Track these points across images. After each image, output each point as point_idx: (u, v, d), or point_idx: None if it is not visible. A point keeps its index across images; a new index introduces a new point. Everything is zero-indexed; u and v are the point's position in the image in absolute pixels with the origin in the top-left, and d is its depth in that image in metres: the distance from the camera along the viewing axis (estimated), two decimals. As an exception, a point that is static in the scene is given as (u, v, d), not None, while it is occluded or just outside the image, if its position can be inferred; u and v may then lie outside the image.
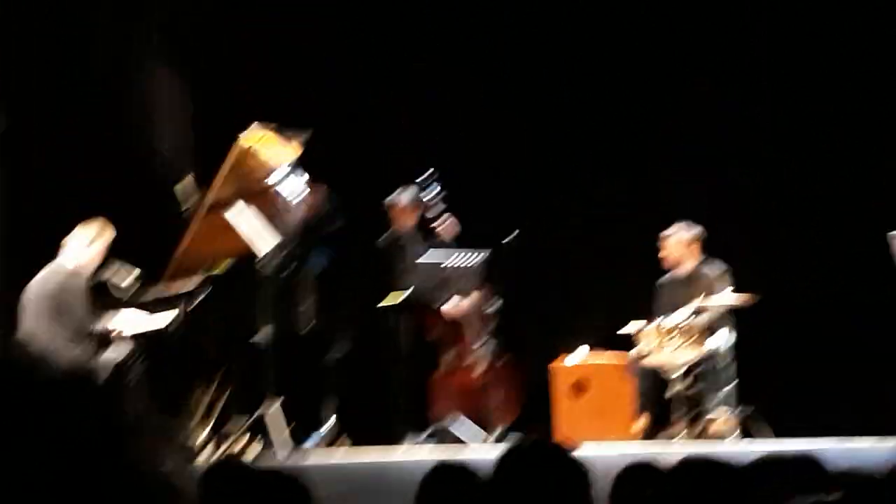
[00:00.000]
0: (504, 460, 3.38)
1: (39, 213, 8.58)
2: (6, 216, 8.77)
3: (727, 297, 8.54)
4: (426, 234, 8.94)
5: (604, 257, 9.75)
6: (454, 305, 8.78)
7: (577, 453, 3.43)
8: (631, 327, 8.62)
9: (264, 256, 7.91)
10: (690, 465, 3.23)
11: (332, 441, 8.35)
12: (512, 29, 10.10)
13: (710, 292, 8.61)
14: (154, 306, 8.03)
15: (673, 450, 7.78)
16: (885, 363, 8.96)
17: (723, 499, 3.08)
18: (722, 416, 8.40)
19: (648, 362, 8.54)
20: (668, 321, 8.55)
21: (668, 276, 8.91)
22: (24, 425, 0.73)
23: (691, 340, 8.45)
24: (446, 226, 8.84)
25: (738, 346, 8.60)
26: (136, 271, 8.18)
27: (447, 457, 7.63)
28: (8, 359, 0.76)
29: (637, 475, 3.33)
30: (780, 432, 8.33)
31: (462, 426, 8.44)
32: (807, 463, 3.30)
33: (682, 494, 3.11)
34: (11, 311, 7.86)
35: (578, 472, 3.35)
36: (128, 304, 8.04)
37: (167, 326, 7.88)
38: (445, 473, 3.52)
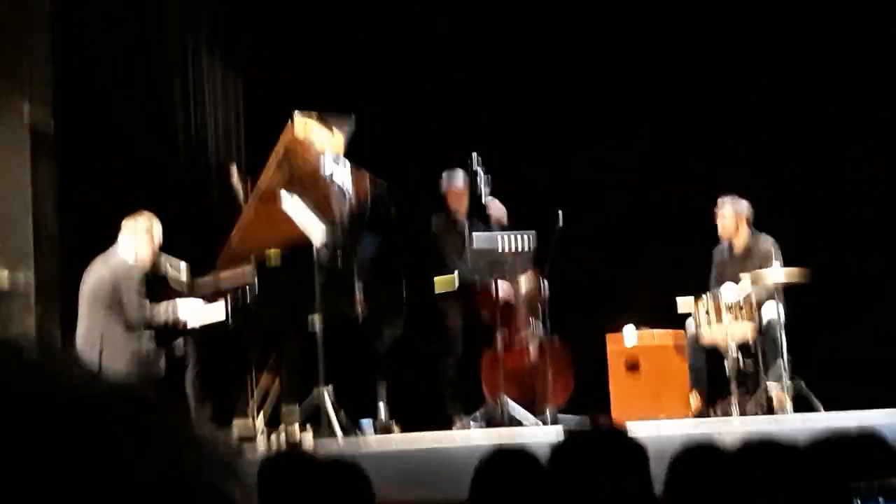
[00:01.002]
0: (563, 444, 3.38)
1: (92, 206, 8.62)
2: (59, 209, 8.80)
3: (782, 272, 8.45)
4: (477, 219, 8.92)
5: (648, 235, 9.71)
6: (507, 288, 8.76)
7: (633, 434, 3.43)
8: (684, 305, 8.56)
9: (319, 246, 7.94)
10: (751, 446, 3.21)
11: (383, 428, 8.37)
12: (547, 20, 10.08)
13: (765, 265, 8.53)
14: (208, 298, 8.09)
15: (729, 427, 7.76)
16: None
17: (785, 479, 3.06)
18: (775, 391, 8.36)
19: (704, 340, 8.50)
20: (726, 297, 8.48)
21: (722, 246, 8.88)
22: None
23: (746, 316, 8.41)
24: (495, 209, 8.83)
25: (786, 320, 8.55)
26: (184, 264, 8.24)
27: (501, 440, 7.68)
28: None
29: (696, 455, 3.30)
30: (831, 406, 8.29)
31: (513, 409, 8.43)
32: (870, 440, 3.26)
33: (744, 475, 3.09)
34: (68, 305, 7.93)
35: (637, 454, 3.34)
36: (182, 296, 8.10)
37: (227, 318, 7.93)
38: (503, 458, 3.51)
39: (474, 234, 8.59)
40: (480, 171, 8.78)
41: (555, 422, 8.11)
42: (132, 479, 0.72)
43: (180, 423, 0.76)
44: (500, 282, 8.67)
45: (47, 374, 0.74)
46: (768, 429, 7.23)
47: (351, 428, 7.96)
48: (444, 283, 8.63)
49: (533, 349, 8.86)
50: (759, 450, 3.18)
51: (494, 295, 8.65)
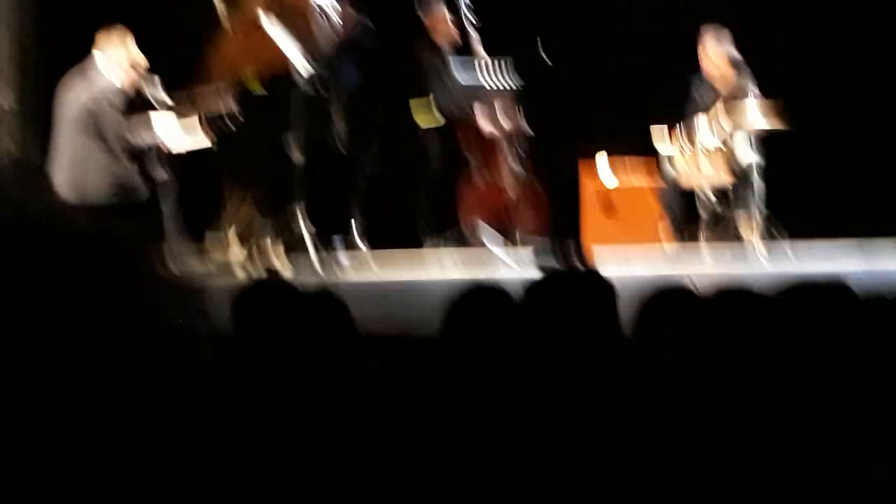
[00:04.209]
0: (536, 283, 3.44)
1: (72, 26, 8.46)
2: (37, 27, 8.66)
3: (763, 118, 8.44)
4: (461, 48, 8.80)
5: (623, 62, 9.59)
6: (487, 121, 8.69)
7: (605, 273, 3.49)
8: (658, 135, 8.60)
9: (299, 70, 7.90)
10: (723, 293, 3.24)
11: (351, 245, 8.44)
12: None
13: (743, 112, 8.49)
14: (184, 113, 8.02)
15: (700, 267, 7.92)
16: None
17: (754, 326, 3.12)
18: (744, 225, 8.49)
19: (682, 183, 8.59)
20: (704, 141, 8.53)
21: (702, 75, 8.75)
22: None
23: (723, 158, 8.50)
24: (477, 39, 8.71)
25: (760, 156, 8.61)
26: (157, 78, 8.16)
27: (472, 265, 7.79)
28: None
29: (667, 299, 3.34)
30: (797, 234, 8.47)
31: (485, 233, 8.53)
32: (838, 289, 3.31)
33: (715, 322, 3.14)
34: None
35: (608, 294, 3.40)
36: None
37: (212, 145, 7.90)
38: (477, 294, 3.55)
39: (460, 77, 8.49)
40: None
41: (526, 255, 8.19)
42: (107, 319, 0.73)
43: (151, 263, 0.78)
44: (479, 113, 8.60)
45: (27, 208, 0.75)
46: (738, 272, 7.41)
47: (322, 245, 8.06)
48: (428, 118, 8.57)
49: (510, 186, 8.84)
50: (730, 297, 3.23)
51: (475, 129, 8.62)
